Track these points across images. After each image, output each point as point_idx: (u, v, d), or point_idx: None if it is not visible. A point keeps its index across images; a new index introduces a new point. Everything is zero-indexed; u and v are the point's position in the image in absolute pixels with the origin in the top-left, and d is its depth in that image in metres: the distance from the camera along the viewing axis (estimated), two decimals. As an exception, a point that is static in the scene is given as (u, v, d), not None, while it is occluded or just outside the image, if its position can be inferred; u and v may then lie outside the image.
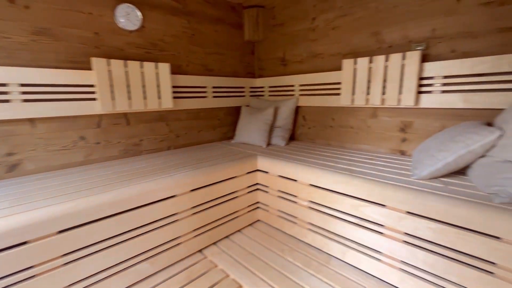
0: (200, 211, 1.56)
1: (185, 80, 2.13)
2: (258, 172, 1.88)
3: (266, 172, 1.82)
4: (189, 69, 2.20)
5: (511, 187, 0.99)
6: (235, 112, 2.60)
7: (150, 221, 1.34)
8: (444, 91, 1.57)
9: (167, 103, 1.97)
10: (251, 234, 1.78)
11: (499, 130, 1.12)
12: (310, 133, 2.37)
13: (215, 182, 1.61)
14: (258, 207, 1.94)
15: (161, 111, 2.05)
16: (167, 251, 1.43)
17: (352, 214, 1.38)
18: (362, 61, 1.83)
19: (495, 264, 0.96)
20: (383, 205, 1.25)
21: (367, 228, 1.33)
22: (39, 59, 1.49)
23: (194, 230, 1.55)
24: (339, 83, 2.05)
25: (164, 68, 1.92)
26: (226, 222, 1.73)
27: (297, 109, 2.43)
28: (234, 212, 1.77)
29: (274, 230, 1.83)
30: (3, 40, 1.38)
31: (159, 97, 1.94)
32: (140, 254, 1.32)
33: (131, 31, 1.81)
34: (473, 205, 1.00)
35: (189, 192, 1.49)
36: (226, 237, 1.75)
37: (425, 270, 1.15)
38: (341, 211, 1.43)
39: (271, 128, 2.30)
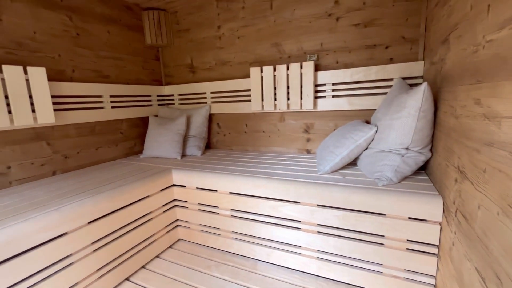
0: (104, 245, 1.30)
1: (71, 88, 1.76)
2: (174, 187, 1.73)
3: (183, 186, 1.70)
4: (76, 75, 1.83)
5: (387, 171, 1.24)
6: (142, 124, 2.34)
7: (32, 273, 1.01)
8: (334, 96, 1.85)
9: (46, 117, 1.57)
10: (172, 256, 1.61)
11: (375, 127, 1.38)
12: (226, 140, 2.36)
13: (122, 206, 1.38)
14: (177, 225, 1.78)
15: (38, 127, 1.62)
16: (60, 306, 1.12)
17: (273, 215, 1.43)
18: (267, 70, 1.95)
19: (383, 237, 1.18)
20: (298, 202, 1.35)
21: (287, 226, 1.40)
22: None
23: (98, 269, 1.27)
24: (249, 90, 2.12)
25: (38, 73, 1.52)
26: (140, 250, 1.50)
27: (211, 117, 2.39)
28: (150, 237, 1.56)
29: (197, 246, 1.71)
30: None
31: (33, 110, 1.52)
32: (15, 322, 0.98)
33: (-22, 24, 1.35)
34: (364, 190, 1.20)
35: (86, 225, 1.21)
36: (143, 267, 1.52)
37: (336, 254, 1.30)
38: (263, 214, 1.46)
39: (185, 138, 2.17)
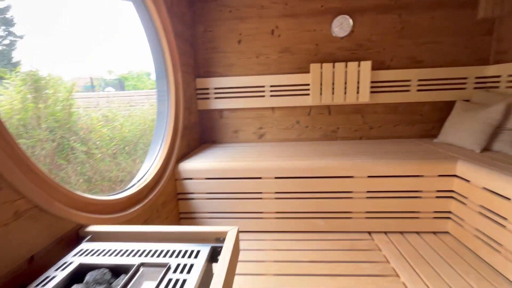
0: (374, 197, 1.70)
1: (386, 75, 2.20)
2: (456, 178, 1.63)
3: (467, 181, 1.55)
4: (393, 63, 2.21)
5: None
6: (446, 108, 2.24)
7: (329, 191, 1.72)
8: None
9: (364, 97, 2.18)
10: (431, 241, 1.64)
11: None
12: None
13: (394, 175, 1.66)
14: (449, 217, 1.70)
15: (358, 104, 2.30)
16: (339, 219, 1.75)
17: None
18: None
19: None
20: None
21: None
22: (281, 69, 2.29)
23: (366, 212, 1.73)
24: None
25: (366, 65, 2.12)
26: (402, 218, 1.72)
27: (557, 107, 1.67)
28: (413, 212, 1.71)
29: (464, 248, 1.55)
30: (266, 59, 2.29)
31: (358, 92, 2.19)
32: (318, 212, 1.76)
33: (341, 38, 2.18)
34: None
35: (365, 177, 1.68)
36: (400, 232, 1.74)
37: None
38: None
39: (496, 130, 1.79)
